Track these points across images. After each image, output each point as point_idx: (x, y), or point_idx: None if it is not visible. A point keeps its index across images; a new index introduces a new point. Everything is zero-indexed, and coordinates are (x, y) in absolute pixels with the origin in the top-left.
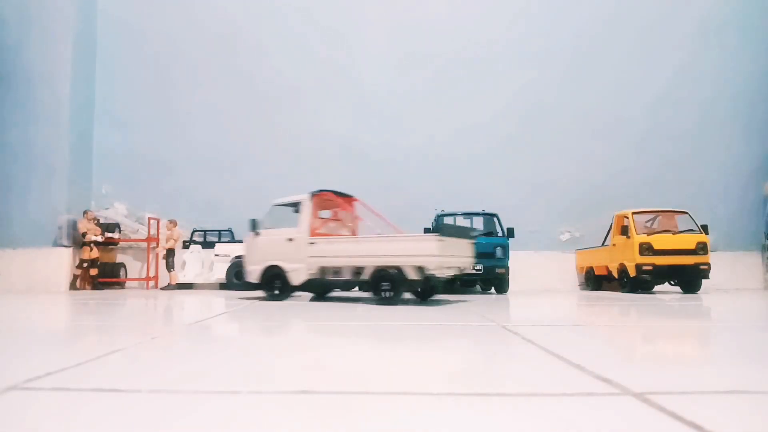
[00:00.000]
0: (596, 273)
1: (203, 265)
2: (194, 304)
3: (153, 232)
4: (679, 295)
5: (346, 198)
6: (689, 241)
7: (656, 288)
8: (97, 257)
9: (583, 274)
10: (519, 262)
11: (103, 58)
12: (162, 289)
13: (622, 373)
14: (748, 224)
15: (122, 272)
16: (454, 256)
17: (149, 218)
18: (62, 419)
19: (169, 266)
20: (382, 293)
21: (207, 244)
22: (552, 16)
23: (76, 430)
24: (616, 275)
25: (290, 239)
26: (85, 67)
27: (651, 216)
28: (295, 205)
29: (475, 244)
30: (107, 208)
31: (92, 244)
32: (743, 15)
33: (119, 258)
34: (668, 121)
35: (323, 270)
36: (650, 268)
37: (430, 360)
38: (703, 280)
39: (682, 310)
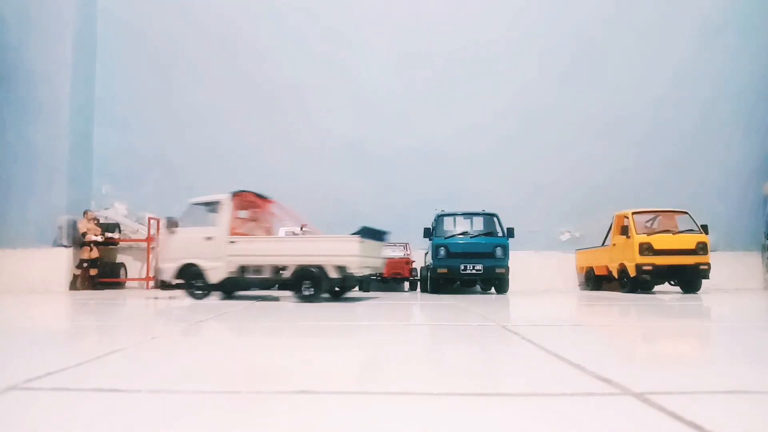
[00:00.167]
0: (596, 273)
1: None
2: (194, 304)
3: (153, 232)
4: (679, 295)
5: (265, 200)
6: (689, 241)
7: (656, 288)
8: (97, 257)
9: (583, 274)
10: (519, 262)
11: (103, 58)
12: (162, 289)
13: (622, 373)
14: (748, 224)
15: (122, 272)
16: (371, 257)
17: (149, 218)
18: (62, 419)
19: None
20: (304, 291)
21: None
22: (552, 17)
23: (76, 430)
24: (616, 275)
25: (209, 238)
26: (85, 67)
27: (651, 216)
28: (214, 204)
29: (474, 244)
30: (107, 208)
31: (92, 244)
32: (743, 15)
33: (119, 258)
34: (668, 121)
35: (243, 269)
36: (650, 268)
37: (430, 360)
38: (703, 280)
39: (682, 310)
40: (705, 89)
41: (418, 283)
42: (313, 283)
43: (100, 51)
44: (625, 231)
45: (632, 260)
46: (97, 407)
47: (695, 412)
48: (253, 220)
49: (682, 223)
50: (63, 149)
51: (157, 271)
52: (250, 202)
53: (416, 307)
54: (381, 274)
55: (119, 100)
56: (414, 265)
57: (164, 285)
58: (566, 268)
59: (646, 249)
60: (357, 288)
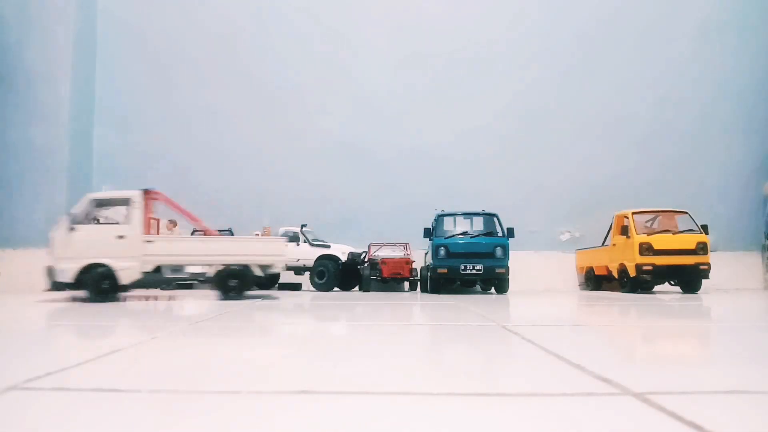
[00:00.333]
0: (596, 273)
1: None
2: (194, 304)
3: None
4: (679, 295)
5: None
6: (689, 241)
7: (656, 288)
8: None
9: (583, 274)
10: (519, 262)
11: (103, 58)
12: (162, 289)
13: (622, 373)
14: (748, 224)
15: None
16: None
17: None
18: (62, 419)
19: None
20: (229, 289)
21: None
22: (552, 17)
23: (76, 430)
24: (616, 275)
25: (121, 236)
26: (85, 67)
27: (651, 216)
28: (123, 201)
29: (474, 244)
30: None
31: None
32: (743, 16)
33: None
34: (668, 121)
35: (159, 268)
36: (650, 268)
37: (430, 360)
38: (703, 280)
39: (682, 310)
40: (705, 89)
41: (418, 283)
42: (239, 281)
43: (100, 51)
44: (625, 231)
45: (632, 260)
46: (97, 407)
47: (695, 412)
48: (155, 218)
49: (682, 223)
50: (63, 149)
51: (50, 271)
52: (158, 200)
53: (416, 307)
54: (380, 273)
55: (119, 100)
56: (414, 265)
57: (57, 286)
58: (566, 268)
59: (646, 249)
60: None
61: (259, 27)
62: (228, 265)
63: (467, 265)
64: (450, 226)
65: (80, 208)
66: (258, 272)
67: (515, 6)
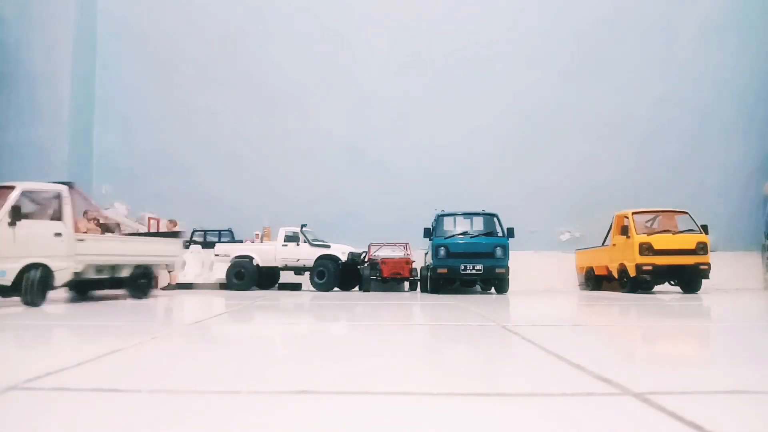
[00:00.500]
0: (596, 273)
1: (203, 265)
2: (194, 304)
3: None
4: (679, 295)
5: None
6: (689, 241)
7: (656, 288)
8: None
9: (583, 274)
10: (519, 262)
11: (103, 57)
12: (162, 289)
13: (622, 373)
14: (748, 224)
15: None
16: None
17: (149, 218)
18: (62, 419)
19: (170, 266)
20: (140, 288)
21: (207, 244)
22: (552, 18)
23: (76, 430)
24: (616, 275)
25: (58, 234)
26: (85, 67)
27: (651, 216)
28: (53, 196)
29: (474, 244)
30: (107, 208)
31: None
32: (743, 16)
33: None
34: (668, 121)
35: (86, 269)
36: (650, 268)
37: (430, 360)
38: (703, 280)
39: (682, 310)
40: (705, 90)
41: (418, 283)
42: (147, 281)
43: (100, 51)
44: (625, 231)
45: (632, 260)
46: (97, 407)
47: (695, 412)
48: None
49: (682, 223)
50: (63, 149)
51: None
52: (77, 197)
53: (416, 307)
54: (380, 273)
55: (119, 100)
56: (414, 265)
57: None
58: (566, 268)
59: (646, 249)
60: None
61: (259, 27)
62: (140, 265)
63: (467, 265)
64: (450, 226)
65: (14, 199)
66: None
67: (515, 6)
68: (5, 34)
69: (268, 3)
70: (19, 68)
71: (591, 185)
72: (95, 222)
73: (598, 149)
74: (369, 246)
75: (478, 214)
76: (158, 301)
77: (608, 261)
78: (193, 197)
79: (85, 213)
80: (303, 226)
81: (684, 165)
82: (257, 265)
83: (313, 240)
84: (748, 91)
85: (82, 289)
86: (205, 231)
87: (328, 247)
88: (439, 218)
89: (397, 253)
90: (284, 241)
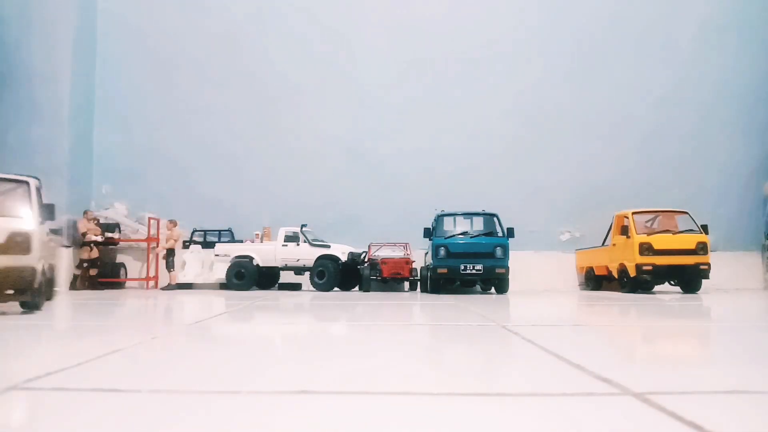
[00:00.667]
0: (596, 273)
1: (203, 265)
2: (194, 304)
3: (153, 232)
4: (679, 295)
5: None
6: (689, 241)
7: (656, 288)
8: (97, 257)
9: (583, 274)
10: (519, 262)
11: (103, 57)
12: (162, 289)
13: (622, 373)
14: (748, 224)
15: (122, 272)
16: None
17: (149, 218)
18: (62, 419)
19: (169, 266)
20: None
21: (207, 244)
22: (553, 19)
23: (76, 430)
24: (616, 275)
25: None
26: (85, 67)
27: (651, 216)
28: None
29: (474, 244)
30: (107, 208)
31: (92, 244)
32: (743, 17)
33: (119, 258)
34: (669, 121)
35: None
36: (650, 268)
37: (430, 360)
38: (703, 280)
39: (682, 310)
40: (705, 90)
41: (418, 283)
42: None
43: (100, 51)
44: (625, 231)
45: (632, 260)
46: (97, 407)
47: (695, 412)
48: None
49: (682, 223)
50: (63, 149)
51: None
52: None
53: (416, 307)
54: (380, 273)
55: (119, 100)
56: (414, 265)
57: None
58: (566, 268)
59: (646, 249)
60: None
61: (259, 27)
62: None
63: (467, 265)
64: (450, 226)
65: None
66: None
67: (516, 7)
68: (5, 34)
69: (269, 3)
70: (19, 68)
71: (591, 185)
72: (95, 222)
73: (598, 149)
74: (369, 246)
75: (478, 214)
76: (158, 300)
77: (608, 261)
78: (193, 197)
79: (86, 213)
80: (303, 226)
81: (684, 165)
82: (257, 265)
83: (313, 240)
84: (748, 91)
85: None
86: (205, 231)
87: (328, 247)
88: (439, 218)
89: (397, 253)
90: (284, 241)
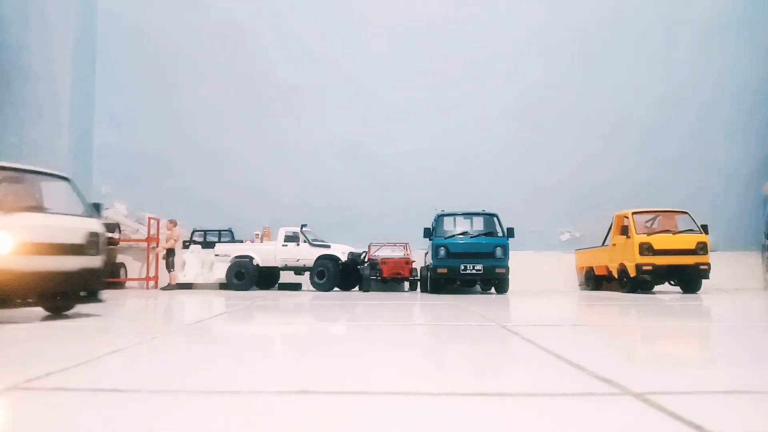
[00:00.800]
0: (596, 273)
1: (203, 265)
2: (194, 304)
3: (153, 232)
4: (679, 295)
5: None
6: (689, 241)
7: (656, 288)
8: None
9: (583, 274)
10: (519, 262)
11: (103, 58)
12: (162, 289)
13: (622, 373)
14: (748, 224)
15: (122, 272)
16: None
17: (149, 218)
18: (62, 419)
19: (169, 266)
20: None
21: (207, 244)
22: (553, 19)
23: (76, 430)
24: (616, 275)
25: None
26: (85, 67)
27: (651, 216)
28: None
29: (474, 244)
30: (107, 208)
31: None
32: (744, 17)
33: (119, 258)
34: (669, 122)
35: None
36: (650, 268)
37: (430, 360)
38: (703, 280)
39: (682, 310)
40: (705, 90)
41: (418, 283)
42: None
43: (100, 51)
44: (625, 231)
45: (632, 260)
46: (97, 407)
47: (695, 412)
48: None
49: (682, 223)
50: (63, 149)
51: None
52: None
53: (416, 307)
54: (380, 273)
55: (119, 100)
56: (414, 265)
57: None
58: (566, 268)
59: (646, 249)
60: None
61: (259, 27)
62: None
63: (467, 265)
64: (450, 226)
65: None
66: None
67: (516, 7)
68: (5, 34)
69: (269, 3)
70: (19, 68)
71: (591, 185)
72: None
73: (598, 149)
74: (369, 246)
75: (478, 214)
76: (158, 300)
77: (608, 261)
78: (193, 197)
79: None
80: (303, 226)
81: (684, 165)
82: (257, 265)
83: (313, 240)
84: (748, 91)
85: None
86: (205, 231)
87: (328, 247)
88: (439, 218)
89: (397, 253)
90: (284, 241)
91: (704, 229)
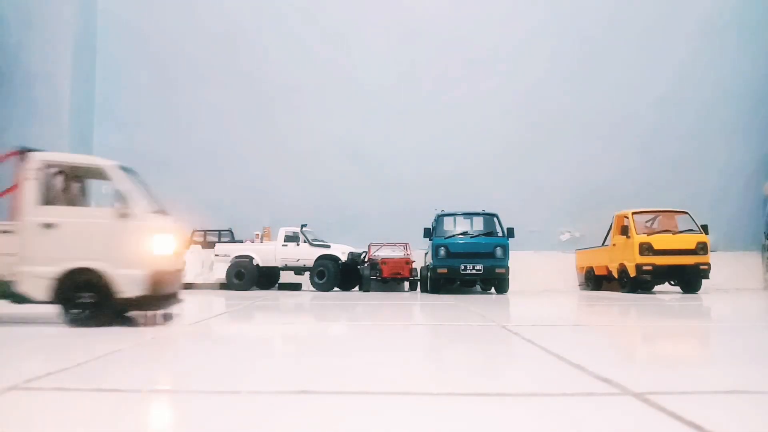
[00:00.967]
0: (596, 273)
1: (203, 265)
2: (194, 304)
3: None
4: (679, 295)
5: None
6: (689, 241)
7: (656, 288)
8: None
9: (583, 274)
10: (519, 262)
11: (103, 58)
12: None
13: (622, 373)
14: (748, 224)
15: None
16: None
17: None
18: (62, 419)
19: None
20: None
21: (207, 244)
22: (553, 19)
23: (76, 430)
24: (616, 275)
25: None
26: (85, 67)
27: (651, 216)
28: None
29: (474, 244)
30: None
31: None
32: (744, 17)
33: None
34: (669, 122)
35: None
36: (650, 268)
37: (430, 360)
38: (703, 280)
39: (682, 310)
40: (706, 90)
41: (418, 283)
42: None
43: (100, 51)
44: (625, 231)
45: (632, 260)
46: (97, 407)
47: (695, 412)
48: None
49: (682, 223)
50: (63, 149)
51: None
52: None
53: (416, 307)
54: (380, 273)
55: (119, 100)
56: (414, 265)
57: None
58: (566, 268)
59: (646, 249)
60: None
61: (259, 27)
62: None
63: (467, 265)
64: (450, 226)
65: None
66: None
67: (516, 7)
68: (5, 34)
69: (269, 3)
70: (19, 68)
71: (591, 185)
72: None
73: (598, 149)
74: (369, 246)
75: (478, 214)
76: None
77: (608, 261)
78: (193, 197)
79: None
80: (303, 226)
81: (684, 165)
82: (257, 265)
83: (313, 240)
84: (747, 92)
85: None
86: (205, 231)
87: (328, 247)
88: (439, 218)
89: (397, 253)
90: (284, 241)
91: (704, 229)
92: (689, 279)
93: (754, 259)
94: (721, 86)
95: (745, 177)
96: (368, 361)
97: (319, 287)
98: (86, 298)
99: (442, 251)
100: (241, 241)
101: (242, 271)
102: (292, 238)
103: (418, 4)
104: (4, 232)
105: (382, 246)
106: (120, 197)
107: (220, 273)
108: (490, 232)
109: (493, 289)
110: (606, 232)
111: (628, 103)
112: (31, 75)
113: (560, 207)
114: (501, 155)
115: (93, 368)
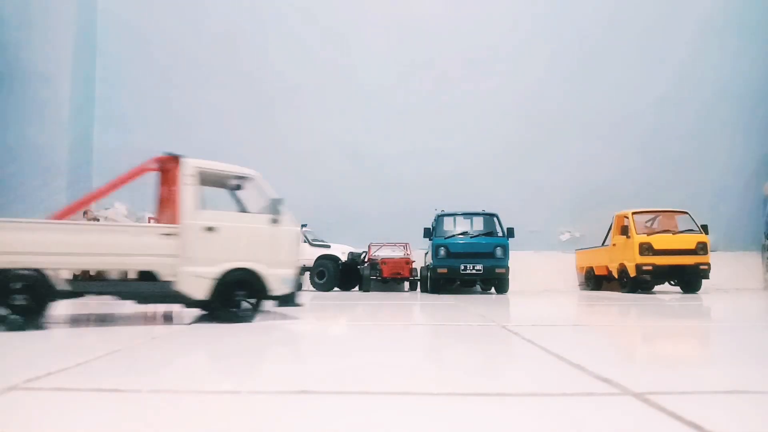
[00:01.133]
0: (596, 273)
1: None
2: None
3: None
4: (679, 295)
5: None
6: (689, 241)
7: (656, 288)
8: None
9: (583, 274)
10: (519, 262)
11: (103, 58)
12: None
13: (622, 373)
14: (748, 224)
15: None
16: None
17: (149, 218)
18: (62, 419)
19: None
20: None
21: None
22: (554, 20)
23: (76, 430)
24: (616, 275)
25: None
26: (85, 67)
27: (651, 216)
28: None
29: (474, 244)
30: (107, 209)
31: None
32: (744, 17)
33: None
34: (669, 122)
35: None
36: (650, 268)
37: (430, 360)
38: (703, 280)
39: (682, 310)
40: (705, 90)
41: (418, 283)
42: None
43: (100, 51)
44: (625, 231)
45: (632, 260)
46: (97, 407)
47: (695, 412)
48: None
49: (682, 223)
50: (63, 149)
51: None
52: None
53: (416, 307)
54: (380, 273)
55: (119, 100)
56: (414, 265)
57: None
58: (566, 268)
59: (646, 249)
60: None
61: (259, 27)
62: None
63: (467, 265)
64: (450, 226)
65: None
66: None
67: (516, 8)
68: (5, 34)
69: (269, 3)
70: (19, 68)
71: (591, 185)
72: (95, 221)
73: (598, 149)
74: (369, 246)
75: (478, 214)
76: None
77: (608, 261)
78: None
79: (85, 213)
80: (303, 226)
81: (684, 165)
82: None
83: (313, 240)
84: (748, 92)
85: None
86: None
87: (328, 247)
88: (439, 218)
89: (397, 253)
90: None
91: (704, 229)
92: (689, 279)
93: (754, 259)
94: (721, 86)
95: (745, 177)
96: (368, 361)
97: (319, 287)
98: (240, 296)
99: (442, 251)
100: None
101: None
102: None
103: (418, 4)
104: (167, 234)
105: (382, 246)
106: (271, 205)
107: None
108: (490, 232)
109: (493, 289)
110: (606, 232)
111: (628, 103)
112: (31, 75)
113: (560, 207)
114: (501, 155)
115: (95, 367)
